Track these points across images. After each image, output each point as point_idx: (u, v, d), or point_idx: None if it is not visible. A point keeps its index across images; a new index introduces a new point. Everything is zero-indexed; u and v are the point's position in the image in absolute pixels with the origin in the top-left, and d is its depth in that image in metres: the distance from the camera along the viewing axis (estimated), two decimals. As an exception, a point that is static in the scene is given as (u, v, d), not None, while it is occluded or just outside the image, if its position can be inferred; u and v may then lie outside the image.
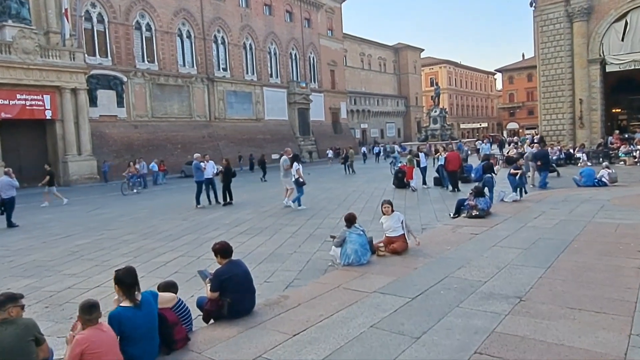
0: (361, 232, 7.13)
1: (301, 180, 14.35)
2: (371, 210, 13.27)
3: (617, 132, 32.40)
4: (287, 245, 9.27)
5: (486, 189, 12.38)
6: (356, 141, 63.47)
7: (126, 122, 36.29)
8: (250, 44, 47.69)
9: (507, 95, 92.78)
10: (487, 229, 9.15)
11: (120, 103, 35.81)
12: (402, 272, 6.47)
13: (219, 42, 44.41)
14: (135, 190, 23.46)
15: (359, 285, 5.94)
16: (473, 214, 10.45)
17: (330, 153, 44.89)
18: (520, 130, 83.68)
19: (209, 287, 4.99)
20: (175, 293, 4.70)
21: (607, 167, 16.24)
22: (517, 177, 13.60)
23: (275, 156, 39.09)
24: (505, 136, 75.80)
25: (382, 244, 7.56)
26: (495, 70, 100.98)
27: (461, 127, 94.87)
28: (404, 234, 7.63)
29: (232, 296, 4.88)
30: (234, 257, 5.25)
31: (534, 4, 33.09)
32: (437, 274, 6.23)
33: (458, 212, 11.34)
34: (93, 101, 33.52)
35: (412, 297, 5.34)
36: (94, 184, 30.06)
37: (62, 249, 9.85)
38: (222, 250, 5.08)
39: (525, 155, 18.31)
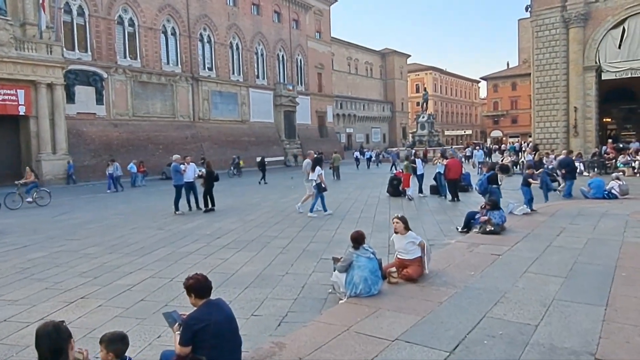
0: (371, 255, 5.79)
1: (323, 185, 13.36)
2: (368, 222, 12.04)
3: (610, 141, 31.67)
4: (277, 263, 7.95)
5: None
6: (342, 145, 62.31)
7: (105, 120, 34.48)
8: (237, 44, 46.21)
9: (491, 103, 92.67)
10: (508, 248, 7.95)
11: (99, 100, 33.99)
12: (424, 307, 5.18)
13: (205, 40, 42.83)
14: (32, 202, 18.37)
15: (374, 328, 4.63)
16: (487, 229, 9.26)
17: (315, 157, 43.57)
18: (504, 138, 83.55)
19: (177, 338, 3.64)
20: (125, 350, 3.31)
21: (618, 179, 15.22)
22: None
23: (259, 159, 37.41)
24: (489, 144, 75.31)
25: (394, 269, 6.27)
26: (480, 78, 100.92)
27: (445, 133, 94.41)
28: (420, 257, 6.35)
29: (210, 352, 3.52)
30: (214, 284, 3.93)
31: (529, 9, 32.26)
32: (470, 312, 4.97)
33: (467, 227, 10.18)
34: (70, 97, 31.66)
35: (449, 350, 4.05)
36: (68, 185, 28.40)
37: (11, 265, 8.34)
38: (198, 288, 3.68)
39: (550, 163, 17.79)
